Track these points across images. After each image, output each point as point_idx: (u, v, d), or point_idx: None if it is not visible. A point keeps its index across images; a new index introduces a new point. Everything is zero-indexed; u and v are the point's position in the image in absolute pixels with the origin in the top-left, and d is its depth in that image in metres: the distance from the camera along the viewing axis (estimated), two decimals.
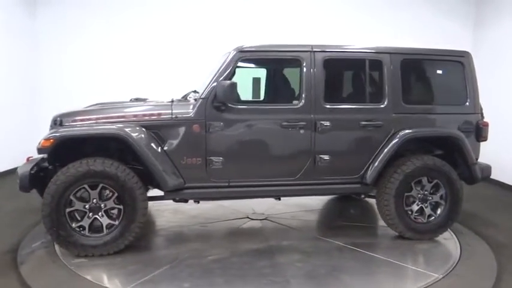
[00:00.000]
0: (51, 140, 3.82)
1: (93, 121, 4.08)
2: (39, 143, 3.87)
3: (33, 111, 8.34)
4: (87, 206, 3.93)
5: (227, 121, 4.19)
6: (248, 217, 5.22)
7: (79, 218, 3.94)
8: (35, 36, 8.38)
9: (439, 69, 4.86)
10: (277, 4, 8.41)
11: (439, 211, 4.60)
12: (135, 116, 4.14)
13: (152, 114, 4.16)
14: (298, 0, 8.47)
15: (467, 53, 4.79)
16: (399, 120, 4.51)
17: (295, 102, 4.41)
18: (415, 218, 4.57)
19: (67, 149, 4.03)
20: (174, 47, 8.29)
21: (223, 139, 4.20)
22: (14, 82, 7.90)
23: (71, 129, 3.96)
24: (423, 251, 4.32)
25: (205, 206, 5.60)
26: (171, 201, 4.41)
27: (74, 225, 3.91)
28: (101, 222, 3.97)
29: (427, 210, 4.59)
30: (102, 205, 3.96)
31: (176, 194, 4.22)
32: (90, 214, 3.94)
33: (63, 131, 3.90)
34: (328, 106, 4.38)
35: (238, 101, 4.50)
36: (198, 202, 4.57)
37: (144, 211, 4.01)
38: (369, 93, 4.56)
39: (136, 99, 4.79)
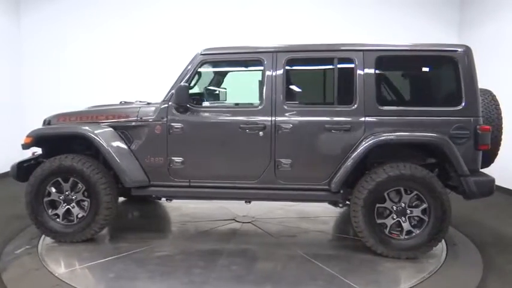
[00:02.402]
0: (30, 137, 4.40)
1: (73, 122, 4.58)
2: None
3: (17, 123, 8.27)
4: (61, 197, 4.42)
5: (187, 122, 4.32)
6: (235, 219, 5.24)
7: (57, 207, 4.45)
8: (19, 40, 8.55)
9: (425, 67, 4.29)
10: (271, 9, 8.36)
11: (422, 227, 4.08)
12: (106, 117, 4.52)
13: (120, 116, 4.50)
14: (286, 3, 8.39)
15: (464, 47, 4.13)
16: (372, 123, 4.12)
17: (255, 103, 4.34)
18: (390, 233, 4.12)
19: (62, 145, 4.57)
20: (165, 50, 8.25)
21: (183, 140, 4.34)
22: None
23: (45, 128, 4.50)
24: (388, 268, 3.88)
25: (206, 205, 5.78)
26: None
27: (50, 212, 4.42)
28: (72, 212, 4.42)
29: (406, 226, 4.10)
30: (73, 197, 4.41)
31: (142, 190, 4.48)
32: (64, 204, 4.42)
33: (38, 130, 4.45)
34: (289, 108, 4.22)
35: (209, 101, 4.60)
36: (171, 200, 4.75)
37: (107, 205, 4.32)
38: (338, 94, 4.24)
39: (126, 102, 5.17)
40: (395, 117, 4.12)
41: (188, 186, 4.40)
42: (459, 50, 4.12)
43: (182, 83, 4.21)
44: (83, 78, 8.55)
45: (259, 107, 4.25)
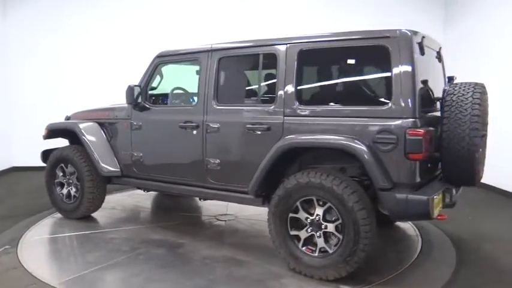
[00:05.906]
0: (47, 130, 5.45)
1: (79, 118, 5.47)
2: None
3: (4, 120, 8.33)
4: (65, 180, 5.37)
5: (143, 120, 4.72)
6: (215, 216, 5.34)
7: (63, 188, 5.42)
8: (4, 36, 8.37)
9: (352, 59, 3.61)
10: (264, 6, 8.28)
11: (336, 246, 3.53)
12: (97, 115, 5.27)
13: (103, 114, 5.18)
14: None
15: (399, 32, 3.34)
16: (291, 125, 3.75)
17: (193, 103, 4.42)
18: (305, 248, 3.68)
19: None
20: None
21: (140, 136, 4.76)
22: None
23: (54, 123, 5.48)
24: (282, 284, 3.51)
25: (214, 201, 5.96)
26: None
27: (58, 191, 5.41)
28: (71, 193, 5.32)
29: (320, 241, 3.60)
30: (71, 181, 5.30)
31: (119, 180, 5.09)
32: (66, 186, 5.35)
33: (50, 124, 5.45)
34: (218, 107, 4.17)
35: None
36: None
37: (90, 189, 5.05)
38: (262, 93, 3.99)
39: None
40: (314, 118, 3.65)
41: (147, 179, 4.79)
42: (391, 36, 3.36)
43: (129, 84, 4.61)
44: (72, 75, 8.40)
45: (194, 107, 4.34)
